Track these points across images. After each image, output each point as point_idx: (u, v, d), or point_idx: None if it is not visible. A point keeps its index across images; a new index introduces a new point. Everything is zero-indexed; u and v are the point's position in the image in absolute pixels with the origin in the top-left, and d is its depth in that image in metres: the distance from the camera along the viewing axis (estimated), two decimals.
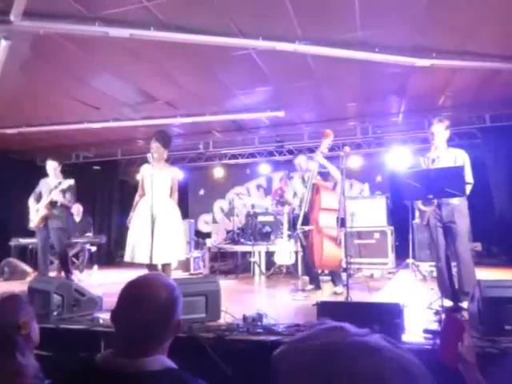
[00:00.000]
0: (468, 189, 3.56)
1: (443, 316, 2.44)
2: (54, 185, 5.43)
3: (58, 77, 5.38)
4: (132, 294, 1.19)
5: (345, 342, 0.57)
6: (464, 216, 3.60)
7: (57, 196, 5.31)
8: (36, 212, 5.40)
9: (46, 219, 5.38)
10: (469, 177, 3.58)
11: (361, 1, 3.81)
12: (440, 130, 3.72)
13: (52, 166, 5.54)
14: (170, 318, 1.18)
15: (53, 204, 5.36)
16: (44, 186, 5.51)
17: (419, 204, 3.75)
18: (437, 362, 1.91)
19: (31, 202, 5.51)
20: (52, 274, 5.99)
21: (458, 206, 3.57)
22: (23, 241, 7.27)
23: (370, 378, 0.52)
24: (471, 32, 4.39)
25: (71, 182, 5.44)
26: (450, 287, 3.63)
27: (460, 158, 3.66)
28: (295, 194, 5.14)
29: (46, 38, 4.15)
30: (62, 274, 5.73)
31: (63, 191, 5.40)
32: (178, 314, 1.21)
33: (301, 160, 5.09)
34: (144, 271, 3.99)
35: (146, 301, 1.15)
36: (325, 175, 4.82)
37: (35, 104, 6.33)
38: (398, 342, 0.61)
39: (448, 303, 3.41)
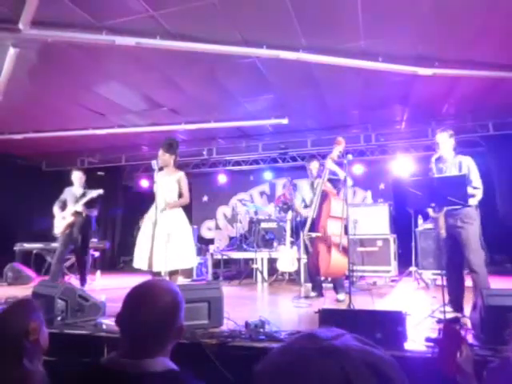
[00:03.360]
0: (478, 194, 3.57)
1: (442, 326, 2.43)
2: (79, 194, 5.75)
3: (64, 84, 5.45)
4: (136, 298, 1.23)
5: (312, 349, 0.58)
6: (472, 222, 3.56)
7: (81, 208, 5.63)
8: (62, 219, 5.63)
9: (71, 226, 5.63)
10: (476, 182, 3.58)
11: (364, 11, 3.86)
12: (444, 140, 3.74)
13: (77, 176, 5.88)
14: (173, 321, 1.22)
15: (78, 212, 5.64)
16: (69, 194, 5.82)
17: (430, 211, 3.75)
18: (438, 371, 1.91)
19: (56, 209, 5.74)
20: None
21: (466, 212, 3.54)
22: (27, 246, 7.31)
23: (336, 376, 0.54)
24: (473, 41, 4.43)
25: (100, 191, 5.74)
26: (455, 296, 3.62)
27: (464, 164, 3.66)
28: (303, 201, 5.07)
29: (53, 46, 4.22)
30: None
31: (93, 201, 5.71)
32: (181, 318, 1.25)
33: (313, 165, 5.02)
34: (146, 277, 4.01)
35: (149, 304, 1.19)
36: (334, 182, 4.76)
37: (42, 110, 6.41)
38: (376, 345, 0.62)
39: (449, 310, 3.40)
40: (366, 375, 0.53)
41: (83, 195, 5.71)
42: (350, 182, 4.56)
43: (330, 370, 0.53)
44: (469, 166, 3.64)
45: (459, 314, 3.41)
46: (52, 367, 1.84)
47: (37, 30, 3.88)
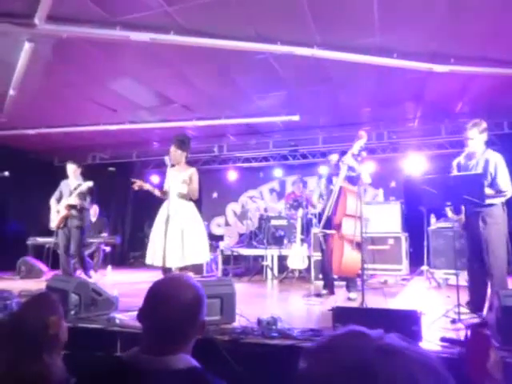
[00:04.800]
0: (508, 193, 3.43)
1: (468, 331, 2.39)
2: (73, 186, 5.68)
3: (78, 79, 5.47)
4: (159, 293, 1.22)
5: (371, 347, 0.57)
6: (496, 222, 3.44)
7: (73, 200, 5.58)
8: (57, 213, 5.64)
9: (66, 219, 5.62)
10: (502, 181, 3.42)
11: (380, 6, 3.81)
12: (474, 135, 3.56)
13: (72, 169, 5.81)
14: (196, 317, 1.21)
15: (72, 205, 5.61)
16: (64, 187, 5.79)
17: (448, 212, 3.68)
18: (456, 373, 1.88)
19: (52, 202, 5.75)
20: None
21: (491, 210, 3.43)
22: (40, 240, 7.38)
23: (404, 379, 0.53)
24: (491, 38, 4.35)
25: (90, 183, 5.67)
26: (476, 298, 3.57)
27: (492, 161, 3.50)
28: (321, 196, 5.00)
29: (68, 42, 4.22)
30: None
31: (82, 194, 5.64)
32: (203, 313, 1.24)
33: (333, 157, 4.91)
34: (156, 272, 4.04)
35: (173, 300, 1.18)
36: (352, 179, 4.58)
37: (55, 106, 6.45)
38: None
39: (464, 311, 3.36)
40: (430, 380, 0.53)
41: (77, 188, 5.66)
42: (368, 180, 4.48)
43: (397, 371, 0.52)
44: (496, 164, 3.47)
45: (476, 315, 3.37)
46: (65, 360, 1.85)
47: (52, 25, 3.89)
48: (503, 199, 3.47)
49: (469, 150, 3.61)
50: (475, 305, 3.52)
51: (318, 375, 0.58)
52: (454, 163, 3.69)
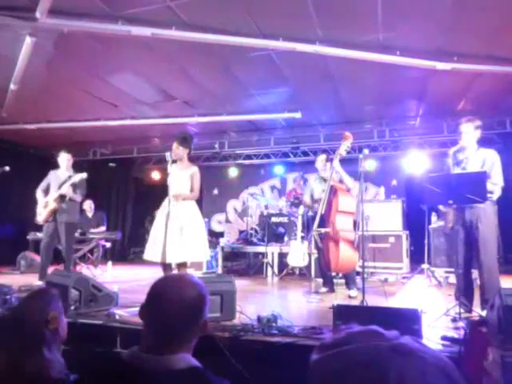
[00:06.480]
0: (497, 190, 3.46)
1: (467, 330, 2.38)
2: (64, 178, 5.30)
3: (79, 74, 5.45)
4: (161, 292, 1.20)
5: (386, 346, 0.56)
6: (489, 220, 3.45)
7: (66, 190, 5.17)
8: (44, 206, 5.23)
9: (54, 213, 5.20)
10: (497, 178, 3.45)
11: (384, 3, 3.79)
12: (469, 130, 3.59)
13: (65, 158, 5.43)
14: (199, 316, 1.19)
15: (62, 198, 5.19)
16: (53, 178, 5.37)
17: (440, 206, 3.68)
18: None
19: (39, 194, 5.34)
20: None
21: (483, 209, 3.43)
22: (40, 235, 7.35)
23: (415, 380, 0.52)
24: (495, 36, 4.33)
25: (84, 175, 5.33)
26: (466, 295, 3.57)
27: (489, 159, 3.51)
28: (312, 196, 5.10)
29: (69, 36, 4.20)
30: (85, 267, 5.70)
31: (74, 185, 5.27)
32: (206, 313, 1.22)
33: (320, 158, 5.02)
34: (156, 268, 4.02)
35: (176, 298, 1.16)
36: (340, 179, 4.80)
37: (56, 100, 6.43)
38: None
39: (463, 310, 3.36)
40: (442, 382, 0.52)
41: (67, 180, 5.23)
42: (351, 185, 4.61)
43: (409, 372, 0.51)
44: (493, 161, 3.50)
45: (475, 314, 3.36)
46: (66, 356, 1.85)
47: (53, 19, 3.87)
48: (494, 197, 3.48)
49: (462, 143, 3.64)
50: (467, 297, 3.52)
51: (330, 372, 0.57)
52: (451, 151, 3.70)
